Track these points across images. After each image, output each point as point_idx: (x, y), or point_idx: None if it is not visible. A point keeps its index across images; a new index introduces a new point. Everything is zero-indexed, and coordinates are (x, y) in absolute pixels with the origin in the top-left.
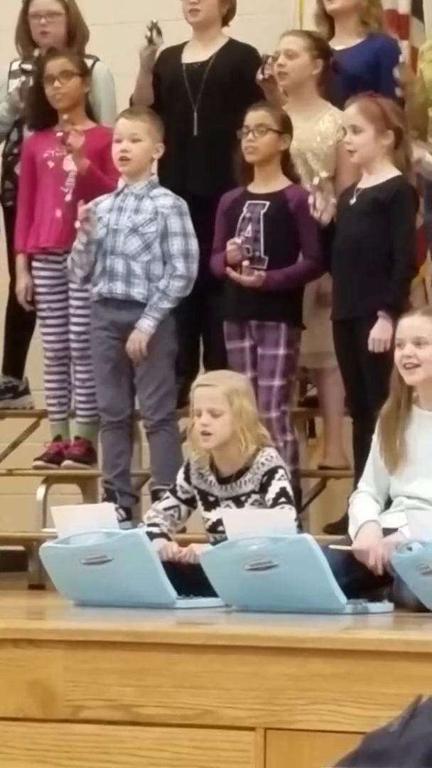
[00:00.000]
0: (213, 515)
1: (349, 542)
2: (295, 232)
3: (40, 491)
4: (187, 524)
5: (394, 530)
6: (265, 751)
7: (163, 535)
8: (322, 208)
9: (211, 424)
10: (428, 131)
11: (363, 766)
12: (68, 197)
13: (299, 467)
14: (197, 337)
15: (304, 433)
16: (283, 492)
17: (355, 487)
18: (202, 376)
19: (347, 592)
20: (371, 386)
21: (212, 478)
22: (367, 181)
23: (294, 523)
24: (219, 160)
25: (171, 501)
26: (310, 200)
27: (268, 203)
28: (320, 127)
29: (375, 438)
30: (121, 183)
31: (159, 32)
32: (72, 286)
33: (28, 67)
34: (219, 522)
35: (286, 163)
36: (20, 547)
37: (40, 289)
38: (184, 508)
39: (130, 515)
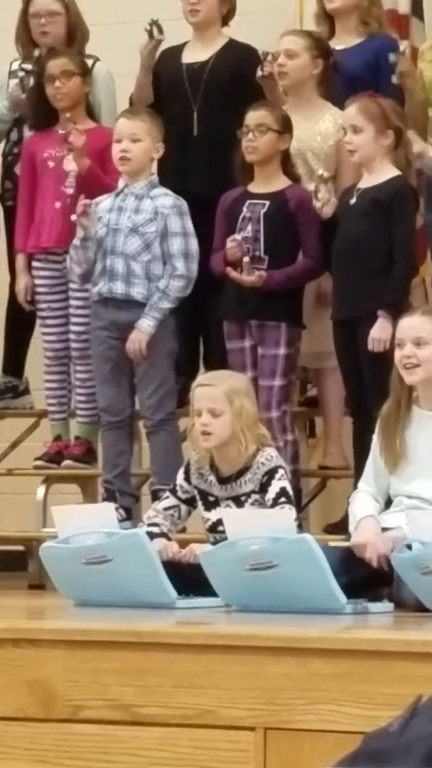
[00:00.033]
0: (213, 515)
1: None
2: (295, 232)
3: (40, 491)
4: (187, 524)
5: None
6: (265, 751)
7: (163, 534)
8: (326, 200)
9: (211, 423)
10: (428, 131)
11: (363, 766)
12: (68, 197)
13: (299, 467)
14: (197, 336)
15: (304, 432)
16: (283, 492)
17: (355, 487)
18: (202, 376)
19: (347, 591)
20: (371, 386)
21: (212, 477)
22: (367, 181)
23: (294, 523)
24: (219, 160)
25: (171, 501)
26: (311, 187)
27: (268, 203)
28: (320, 127)
29: (375, 438)
30: (121, 183)
31: (160, 29)
32: (72, 285)
33: (28, 66)
34: (219, 522)
35: (287, 163)
36: (20, 547)
37: (40, 289)
38: (184, 507)
39: (130, 515)
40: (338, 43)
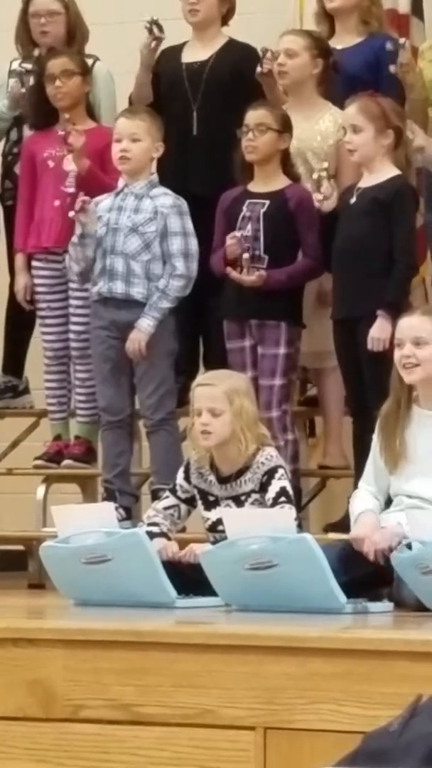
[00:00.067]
0: (213, 515)
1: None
2: (295, 231)
3: (40, 491)
4: (187, 524)
5: None
6: (265, 751)
7: (162, 534)
8: (328, 194)
9: (211, 423)
10: (428, 130)
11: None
12: (68, 197)
13: (299, 467)
14: (197, 336)
15: (304, 432)
16: (283, 491)
17: (355, 487)
18: (202, 376)
19: (347, 591)
20: (371, 386)
21: (212, 477)
22: (367, 181)
23: (294, 523)
24: (219, 160)
25: (171, 500)
26: (315, 176)
27: (267, 202)
28: (320, 127)
29: (375, 437)
30: (121, 182)
31: (160, 28)
32: (72, 285)
33: (28, 66)
34: (219, 521)
35: (286, 163)
36: (20, 547)
37: (39, 289)
38: (183, 507)
39: (130, 515)
40: (338, 43)
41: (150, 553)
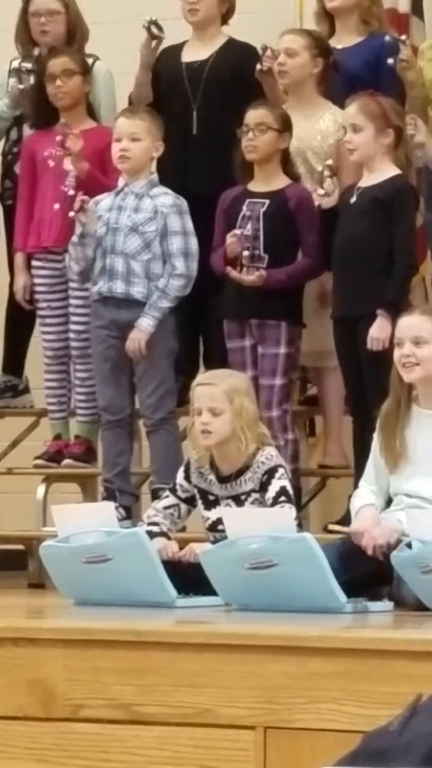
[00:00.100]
0: (213, 514)
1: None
2: (295, 231)
3: (40, 490)
4: (187, 523)
5: None
6: (265, 750)
7: (162, 534)
8: (330, 191)
9: (211, 422)
10: (428, 129)
11: (363, 764)
12: (68, 196)
13: (299, 466)
14: (197, 336)
15: (304, 431)
16: (283, 491)
17: (355, 487)
18: (203, 375)
19: (347, 590)
20: (371, 385)
21: (212, 476)
22: (368, 180)
23: (294, 522)
24: (219, 159)
25: (171, 500)
26: (321, 168)
27: (267, 202)
28: (320, 126)
29: (375, 437)
30: (121, 182)
31: (159, 27)
32: (72, 285)
33: (28, 65)
34: (219, 521)
35: (286, 162)
36: (20, 546)
37: (39, 288)
38: (184, 507)
39: (130, 514)
40: (338, 42)
41: (150, 552)
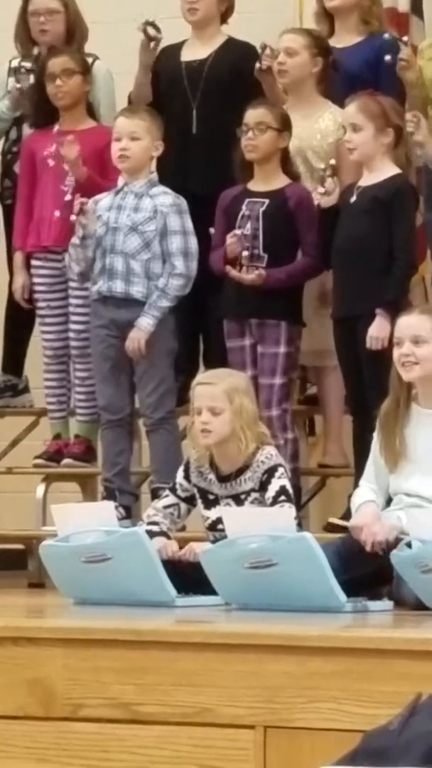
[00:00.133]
0: (213, 513)
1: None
2: (295, 230)
3: (40, 489)
4: (186, 522)
5: None
6: (264, 749)
7: (162, 533)
8: (331, 189)
9: (211, 422)
10: (429, 129)
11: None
12: (68, 196)
13: (299, 465)
14: (197, 335)
15: (304, 431)
16: (282, 490)
17: (355, 486)
18: (202, 375)
19: (347, 590)
20: (371, 384)
21: (212, 476)
22: (367, 179)
23: (294, 522)
24: (218, 159)
25: (171, 499)
26: (323, 166)
27: (267, 201)
28: (320, 125)
29: (375, 436)
30: (120, 181)
31: (156, 28)
32: (71, 284)
33: (27, 65)
34: (219, 520)
35: (286, 161)
36: (20, 546)
37: (39, 288)
38: (183, 506)
39: (130, 513)
40: (338, 42)
41: (150, 552)
